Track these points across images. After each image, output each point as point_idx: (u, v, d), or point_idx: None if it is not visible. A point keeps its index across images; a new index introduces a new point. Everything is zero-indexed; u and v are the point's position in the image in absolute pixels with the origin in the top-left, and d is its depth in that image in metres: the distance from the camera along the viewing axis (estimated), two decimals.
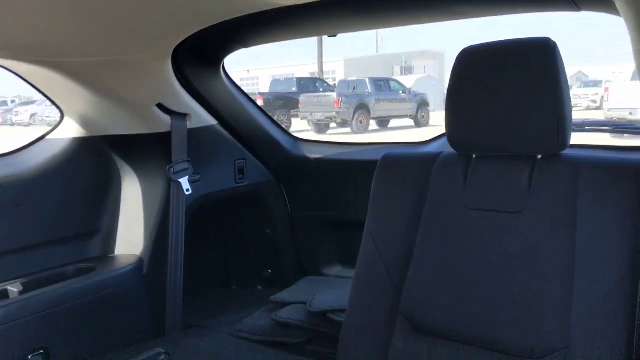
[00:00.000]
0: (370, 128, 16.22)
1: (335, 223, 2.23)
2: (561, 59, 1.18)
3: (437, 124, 15.08)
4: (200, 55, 1.86)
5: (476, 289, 1.21)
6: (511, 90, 1.20)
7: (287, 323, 1.75)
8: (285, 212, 2.30)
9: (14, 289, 1.62)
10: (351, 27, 1.75)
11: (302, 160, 2.23)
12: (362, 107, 15.77)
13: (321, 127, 15.97)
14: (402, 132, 15.36)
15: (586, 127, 1.88)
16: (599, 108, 16.40)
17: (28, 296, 1.59)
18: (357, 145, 2.25)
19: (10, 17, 1.21)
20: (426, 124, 17.06)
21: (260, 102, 16.13)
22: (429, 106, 17.72)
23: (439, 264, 1.28)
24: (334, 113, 15.40)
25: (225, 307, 2.15)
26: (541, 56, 1.18)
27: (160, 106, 1.83)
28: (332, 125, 16.09)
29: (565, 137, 1.17)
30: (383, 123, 17.14)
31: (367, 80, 16.81)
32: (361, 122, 15.71)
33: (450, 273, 1.26)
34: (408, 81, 20.76)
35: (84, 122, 1.84)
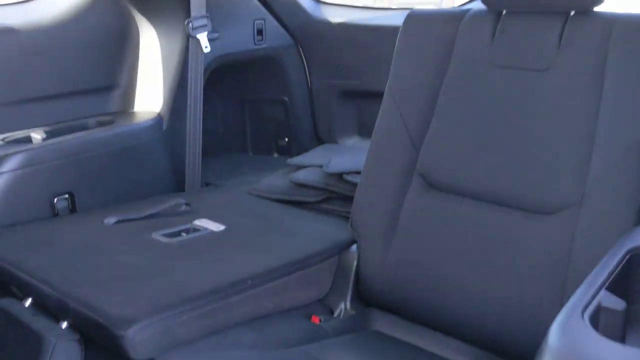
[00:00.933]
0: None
1: (355, 92, 2.21)
2: None
3: None
4: None
5: (494, 145, 1.22)
6: None
7: (304, 184, 1.78)
8: (303, 78, 2.26)
9: (36, 135, 1.65)
10: None
11: (324, 24, 2.16)
12: None
13: None
14: None
15: None
16: None
17: (51, 142, 1.62)
18: (382, 10, 2.16)
19: None
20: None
21: None
22: None
23: (459, 121, 1.28)
24: None
25: (242, 170, 2.19)
26: None
27: None
28: None
29: None
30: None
31: None
32: None
33: (470, 130, 1.26)
34: None
35: None
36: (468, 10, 1.34)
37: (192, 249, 1.37)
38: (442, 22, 1.35)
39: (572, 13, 1.19)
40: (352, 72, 2.17)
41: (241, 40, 2.06)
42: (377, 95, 1.47)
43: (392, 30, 1.49)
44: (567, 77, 1.16)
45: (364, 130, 2.27)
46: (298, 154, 2.12)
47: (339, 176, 1.73)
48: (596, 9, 1.18)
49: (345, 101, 2.25)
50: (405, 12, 2.10)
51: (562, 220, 1.11)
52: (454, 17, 1.33)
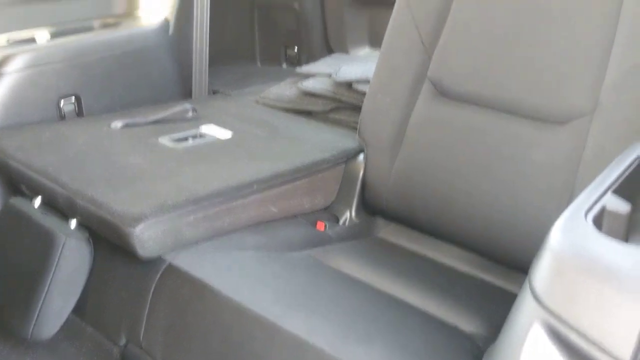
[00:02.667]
0: None
1: (367, 1, 2.13)
2: None
3: None
4: None
5: (507, 52, 1.18)
6: None
7: (312, 92, 1.75)
8: None
9: (41, 35, 1.62)
10: None
11: None
12: None
13: None
14: None
15: None
16: None
17: (56, 42, 1.59)
18: None
19: None
20: None
21: None
22: None
23: (473, 26, 1.23)
24: None
25: (250, 80, 2.16)
26: None
27: None
28: None
29: None
30: None
31: None
32: None
33: (483, 36, 1.22)
34: None
35: None
36: None
37: (199, 154, 1.37)
38: None
39: None
40: None
41: None
42: (390, 4, 1.41)
43: None
44: None
45: (376, 40, 2.21)
46: (307, 64, 2.08)
47: (348, 85, 1.70)
48: None
49: (357, 10, 2.18)
50: None
51: (573, 130, 1.09)
52: None
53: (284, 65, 2.41)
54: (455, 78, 1.25)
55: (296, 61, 2.34)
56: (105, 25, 1.77)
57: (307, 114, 1.73)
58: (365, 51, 2.26)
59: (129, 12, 1.88)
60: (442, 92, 1.27)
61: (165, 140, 1.42)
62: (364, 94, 1.47)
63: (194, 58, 1.85)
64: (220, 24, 2.12)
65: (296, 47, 2.34)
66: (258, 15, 2.36)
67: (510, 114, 1.17)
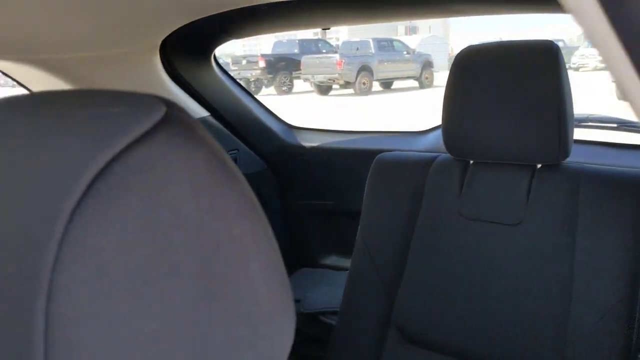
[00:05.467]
0: (374, 89, 16.06)
1: (330, 212, 2.21)
2: (564, 63, 1.13)
3: (440, 84, 14.96)
4: (189, 47, 1.80)
5: (469, 303, 1.19)
6: (510, 95, 1.15)
7: None
8: (279, 201, 2.27)
9: None
10: (344, 21, 1.69)
11: (297, 148, 2.19)
12: (365, 69, 15.59)
13: (323, 88, 15.82)
14: (405, 94, 15.19)
15: (590, 123, 1.83)
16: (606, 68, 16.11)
17: None
18: (354, 134, 2.20)
19: None
20: (430, 85, 16.88)
21: (262, 64, 15.90)
22: (433, 67, 17.51)
23: (431, 274, 1.26)
24: (337, 75, 15.24)
25: None
26: (543, 60, 1.12)
27: None
28: (335, 86, 15.93)
29: (566, 147, 1.13)
30: (386, 84, 16.97)
31: (370, 41, 16.54)
32: (364, 83, 15.56)
33: (443, 285, 1.24)
34: (412, 41, 20.44)
35: None
36: (437, 156, 1.34)
37: None
38: (410, 169, 1.35)
39: (539, 166, 1.19)
40: (327, 193, 2.17)
41: None
42: (354, 214, 1.45)
43: (364, 153, 1.49)
44: (538, 235, 1.15)
45: (343, 249, 2.25)
46: None
47: (315, 316, 1.69)
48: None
49: (321, 221, 2.25)
50: (376, 137, 2.16)
51: None
52: (421, 164, 1.34)
53: None
54: (419, 326, 1.25)
55: None
56: None
57: None
58: (332, 259, 2.29)
59: None
60: (408, 339, 1.27)
61: None
62: (331, 326, 1.46)
63: None
64: None
65: None
66: None
67: None
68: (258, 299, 0.39)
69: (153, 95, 0.38)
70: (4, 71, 1.66)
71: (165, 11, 1.33)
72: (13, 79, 1.71)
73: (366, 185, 1.40)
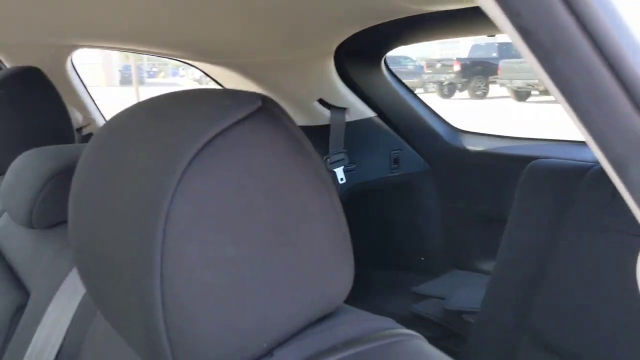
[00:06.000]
0: None
1: (485, 217, 2.21)
2: None
3: None
4: (361, 53, 1.95)
5: (609, 317, 1.17)
6: None
7: (422, 317, 1.82)
8: (437, 202, 2.32)
9: None
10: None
11: (460, 151, 2.22)
12: None
13: (521, 94, 15.15)
14: None
15: None
16: None
17: None
18: (518, 140, 2.17)
19: (200, 27, 1.42)
20: None
21: (457, 68, 15.70)
22: None
23: (573, 284, 1.25)
24: (537, 80, 14.48)
25: (364, 291, 2.27)
26: None
27: (320, 101, 1.97)
28: (534, 92, 15.15)
29: None
30: None
31: None
32: None
33: (584, 296, 1.22)
34: None
35: None
36: (591, 166, 1.31)
37: None
38: (562, 178, 1.34)
39: None
40: (486, 198, 2.17)
41: (377, 169, 2.19)
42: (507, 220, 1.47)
43: (528, 160, 1.49)
44: None
45: (494, 253, 2.23)
46: (427, 275, 2.15)
47: (459, 314, 1.74)
48: None
49: (478, 226, 2.26)
50: (539, 144, 2.11)
51: None
52: (574, 173, 1.32)
53: (402, 274, 2.47)
54: (555, 333, 1.25)
55: (417, 271, 2.40)
56: None
57: None
58: (489, 265, 2.28)
59: None
60: (544, 346, 1.27)
61: None
62: (470, 325, 1.51)
63: None
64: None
65: (421, 258, 2.43)
66: (381, 229, 2.52)
67: None
68: (319, 251, 0.51)
69: (254, 92, 0.53)
70: (205, 71, 1.97)
71: (339, 20, 1.49)
72: (210, 77, 2.02)
73: (516, 190, 1.42)
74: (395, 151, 2.21)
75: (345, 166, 2.02)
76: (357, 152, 2.09)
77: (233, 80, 1.93)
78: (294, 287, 0.49)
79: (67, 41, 1.87)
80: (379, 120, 2.15)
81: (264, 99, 0.52)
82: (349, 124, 2.04)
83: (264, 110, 0.50)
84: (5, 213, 1.26)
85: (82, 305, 0.81)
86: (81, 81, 2.29)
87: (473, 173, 2.20)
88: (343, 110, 2.02)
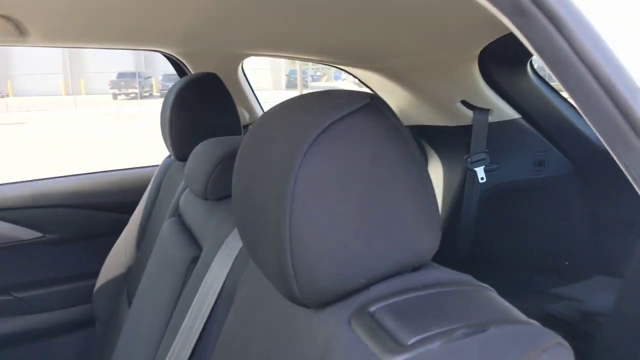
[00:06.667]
0: None
1: (628, 224, 2.13)
2: None
3: None
4: (506, 55, 2.00)
5: None
6: None
7: (557, 316, 1.83)
8: (583, 206, 2.28)
9: None
10: None
11: (609, 154, 2.16)
12: None
13: None
14: None
15: None
16: None
17: None
18: None
19: (347, 33, 1.59)
20: None
21: None
22: None
23: None
24: None
25: (500, 286, 2.29)
26: None
27: (464, 102, 2.06)
28: None
29: None
30: None
31: None
32: None
33: None
34: None
35: (400, 114, 2.20)
36: None
37: None
38: None
39: None
40: (630, 203, 2.10)
41: (519, 170, 2.21)
42: None
43: None
44: None
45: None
46: (573, 278, 2.13)
47: (592, 315, 1.74)
48: None
49: (627, 232, 2.18)
50: None
51: None
52: None
53: (545, 277, 2.46)
54: None
55: (561, 275, 2.37)
56: None
57: None
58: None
59: None
60: None
61: None
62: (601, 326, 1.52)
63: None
64: (485, 237, 2.36)
65: (566, 262, 2.40)
66: (524, 230, 2.51)
67: None
68: (408, 213, 0.66)
69: (365, 92, 0.69)
70: (355, 75, 2.16)
71: (482, 26, 1.57)
72: (360, 81, 2.20)
73: None
74: (541, 153, 2.22)
75: (486, 166, 2.09)
76: (500, 152, 2.14)
77: (383, 84, 2.09)
78: (386, 238, 0.64)
79: (239, 49, 2.17)
80: (523, 122, 2.18)
81: (372, 97, 0.67)
82: (491, 124, 2.10)
83: (371, 106, 0.66)
84: (187, 189, 1.58)
85: (238, 257, 1.04)
86: (249, 84, 2.61)
87: (623, 177, 2.13)
88: (486, 111, 2.09)
